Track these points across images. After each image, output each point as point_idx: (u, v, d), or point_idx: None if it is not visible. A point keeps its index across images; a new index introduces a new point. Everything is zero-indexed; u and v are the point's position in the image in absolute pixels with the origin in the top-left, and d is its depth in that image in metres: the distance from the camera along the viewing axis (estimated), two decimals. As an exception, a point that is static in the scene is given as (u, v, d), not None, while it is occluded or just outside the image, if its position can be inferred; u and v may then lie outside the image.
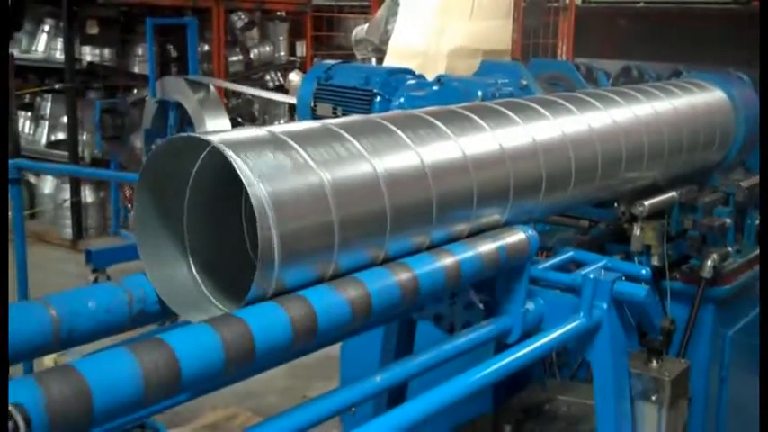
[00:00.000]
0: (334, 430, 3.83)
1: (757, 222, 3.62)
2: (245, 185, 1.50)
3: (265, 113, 9.32)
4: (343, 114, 3.91)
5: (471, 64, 9.76)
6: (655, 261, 3.16)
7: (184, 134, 1.62)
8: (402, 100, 3.88)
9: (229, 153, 1.51)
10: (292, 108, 9.92)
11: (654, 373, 2.41)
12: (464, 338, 2.17)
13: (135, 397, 1.31)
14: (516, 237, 2.17)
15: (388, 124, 1.95)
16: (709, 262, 3.11)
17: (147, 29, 6.62)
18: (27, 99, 9.20)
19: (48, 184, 8.57)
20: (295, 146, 1.65)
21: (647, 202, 2.99)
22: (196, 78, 6.53)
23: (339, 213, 1.64)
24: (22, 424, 1.06)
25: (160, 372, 1.33)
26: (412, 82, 3.98)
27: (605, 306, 2.29)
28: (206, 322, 1.46)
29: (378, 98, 3.93)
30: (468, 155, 2.04)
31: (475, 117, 2.21)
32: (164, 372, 1.34)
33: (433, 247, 1.97)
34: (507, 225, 2.21)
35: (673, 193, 3.14)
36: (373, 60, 9.88)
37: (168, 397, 1.39)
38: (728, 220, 3.29)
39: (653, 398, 2.41)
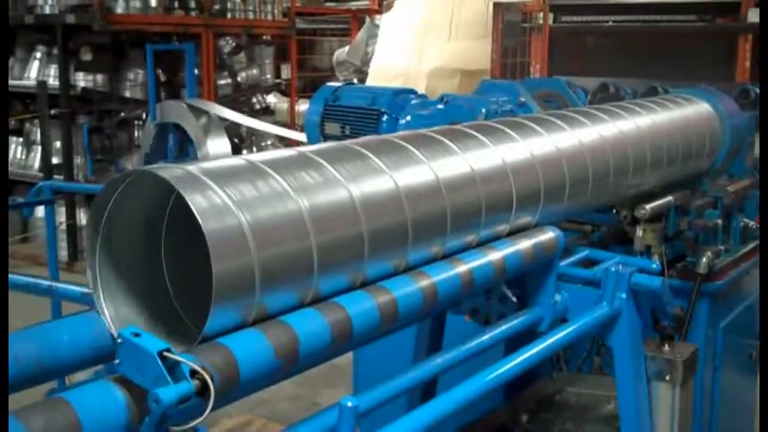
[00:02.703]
0: None
1: (742, 224, 3.94)
2: (201, 222, 1.45)
3: (252, 135, 9.56)
4: (352, 133, 4.18)
5: (451, 83, 10.11)
6: (655, 260, 3.45)
7: (123, 173, 1.58)
8: (409, 118, 4.14)
9: (181, 189, 1.48)
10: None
11: (667, 356, 2.69)
12: (501, 328, 2.44)
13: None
14: (547, 235, 2.45)
15: (441, 137, 2.23)
16: (704, 259, 3.41)
17: (148, 55, 6.85)
18: (13, 124, 9.34)
19: (40, 208, 8.69)
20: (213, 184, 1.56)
21: (648, 206, 3.28)
22: (197, 103, 6.76)
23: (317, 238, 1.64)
24: (209, 381, 1.30)
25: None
26: (416, 101, 4.26)
27: (624, 296, 2.57)
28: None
29: (385, 117, 4.20)
30: (508, 162, 2.32)
31: (506, 129, 2.49)
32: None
33: (481, 244, 2.25)
34: (538, 226, 2.50)
35: (669, 198, 3.44)
36: (355, 81, 10.19)
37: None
38: (719, 222, 3.61)
39: (667, 378, 2.69)
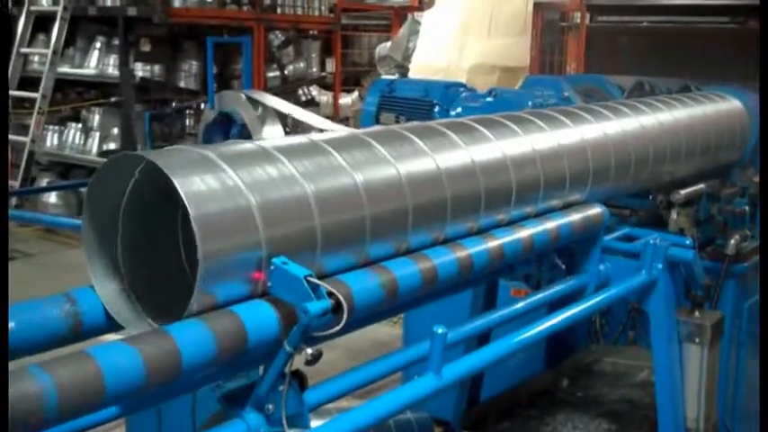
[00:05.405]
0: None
1: (767, 212, 4.27)
2: (187, 204, 1.56)
3: (297, 126, 9.94)
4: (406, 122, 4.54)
5: (490, 79, 10.43)
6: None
7: (119, 155, 1.69)
8: (459, 110, 4.51)
9: (168, 172, 1.58)
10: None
11: (697, 321, 3.05)
12: (552, 290, 2.80)
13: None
14: (594, 210, 2.81)
15: (506, 121, 2.60)
16: (732, 241, 3.75)
17: (208, 47, 7.26)
18: (68, 111, 9.82)
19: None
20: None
21: (682, 191, 3.63)
22: (253, 94, 7.15)
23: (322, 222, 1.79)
24: (342, 301, 1.68)
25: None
26: (466, 94, 4.61)
27: (660, 266, 2.92)
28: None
29: (437, 108, 4.56)
30: (563, 145, 2.68)
31: (561, 116, 2.86)
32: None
33: (539, 215, 2.61)
34: (586, 203, 2.86)
35: (701, 185, 3.78)
36: (396, 76, 10.51)
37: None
38: (747, 208, 3.94)
39: (696, 340, 3.04)
